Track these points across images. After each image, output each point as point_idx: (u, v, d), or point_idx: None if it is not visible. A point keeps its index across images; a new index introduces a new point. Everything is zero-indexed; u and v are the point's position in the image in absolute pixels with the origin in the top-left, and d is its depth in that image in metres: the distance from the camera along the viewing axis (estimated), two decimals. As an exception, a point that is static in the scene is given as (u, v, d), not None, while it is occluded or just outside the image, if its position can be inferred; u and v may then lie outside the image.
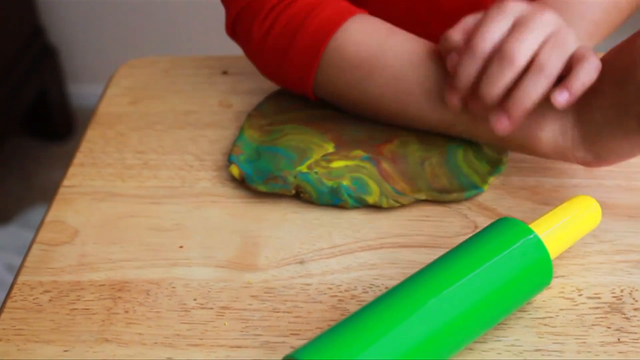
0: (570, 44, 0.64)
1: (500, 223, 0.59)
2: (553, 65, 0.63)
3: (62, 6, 2.10)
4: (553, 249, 0.60)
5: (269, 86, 0.82)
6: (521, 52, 0.63)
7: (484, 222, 0.68)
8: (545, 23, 0.64)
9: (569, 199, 0.63)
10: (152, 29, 2.10)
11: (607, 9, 0.77)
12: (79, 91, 2.22)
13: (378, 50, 0.72)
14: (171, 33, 2.09)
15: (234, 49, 0.83)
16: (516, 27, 0.64)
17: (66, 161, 0.76)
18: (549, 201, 0.70)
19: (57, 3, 2.10)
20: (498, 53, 0.64)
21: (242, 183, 0.72)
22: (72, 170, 0.75)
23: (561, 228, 0.61)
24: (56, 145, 2.17)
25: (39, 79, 2.06)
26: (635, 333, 0.59)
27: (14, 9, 1.95)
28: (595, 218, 0.63)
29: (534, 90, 0.63)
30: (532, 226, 0.60)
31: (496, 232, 0.58)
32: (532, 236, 0.58)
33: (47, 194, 1.93)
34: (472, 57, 0.65)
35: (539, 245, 0.58)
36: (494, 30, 0.65)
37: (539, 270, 0.58)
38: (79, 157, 0.76)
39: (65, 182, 0.73)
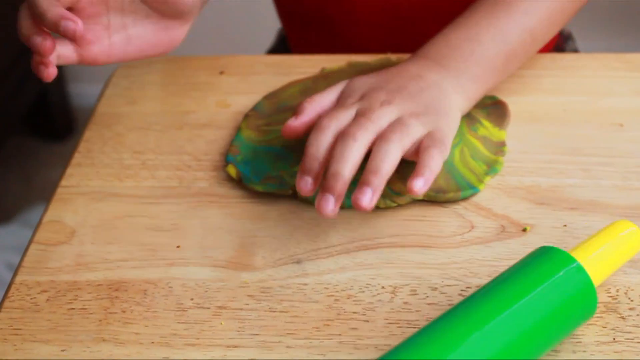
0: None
1: (542, 252, 0.58)
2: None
3: (63, 6, 2.11)
4: (596, 277, 0.58)
5: (266, 87, 0.82)
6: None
7: (480, 221, 0.68)
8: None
9: (609, 225, 0.62)
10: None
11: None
12: (80, 91, 2.23)
13: None
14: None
15: (231, 50, 0.83)
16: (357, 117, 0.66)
17: (66, 160, 0.77)
18: (546, 201, 0.70)
19: (57, 2, 2.10)
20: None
21: (240, 183, 0.72)
22: (69, 170, 0.75)
23: (604, 254, 0.59)
24: (56, 144, 2.17)
25: (40, 79, 2.06)
26: (631, 332, 0.59)
27: (16, 8, 1.96)
28: (637, 242, 0.61)
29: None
30: (573, 253, 0.58)
31: (538, 261, 0.57)
32: (575, 265, 0.57)
33: (47, 193, 1.92)
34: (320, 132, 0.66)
35: (582, 274, 0.57)
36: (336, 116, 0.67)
37: (582, 299, 0.57)
38: (76, 157, 0.76)
39: (63, 182, 0.74)
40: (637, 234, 0.61)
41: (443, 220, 0.69)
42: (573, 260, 0.57)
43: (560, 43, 1.04)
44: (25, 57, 1.98)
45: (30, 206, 1.93)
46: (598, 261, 0.59)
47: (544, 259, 0.57)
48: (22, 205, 1.95)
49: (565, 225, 0.67)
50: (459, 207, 0.70)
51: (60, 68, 2.13)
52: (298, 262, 0.66)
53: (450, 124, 0.69)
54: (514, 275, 0.57)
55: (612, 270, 0.60)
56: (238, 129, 0.77)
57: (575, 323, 0.57)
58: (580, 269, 0.57)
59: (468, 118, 0.76)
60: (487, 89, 0.75)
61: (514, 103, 0.79)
